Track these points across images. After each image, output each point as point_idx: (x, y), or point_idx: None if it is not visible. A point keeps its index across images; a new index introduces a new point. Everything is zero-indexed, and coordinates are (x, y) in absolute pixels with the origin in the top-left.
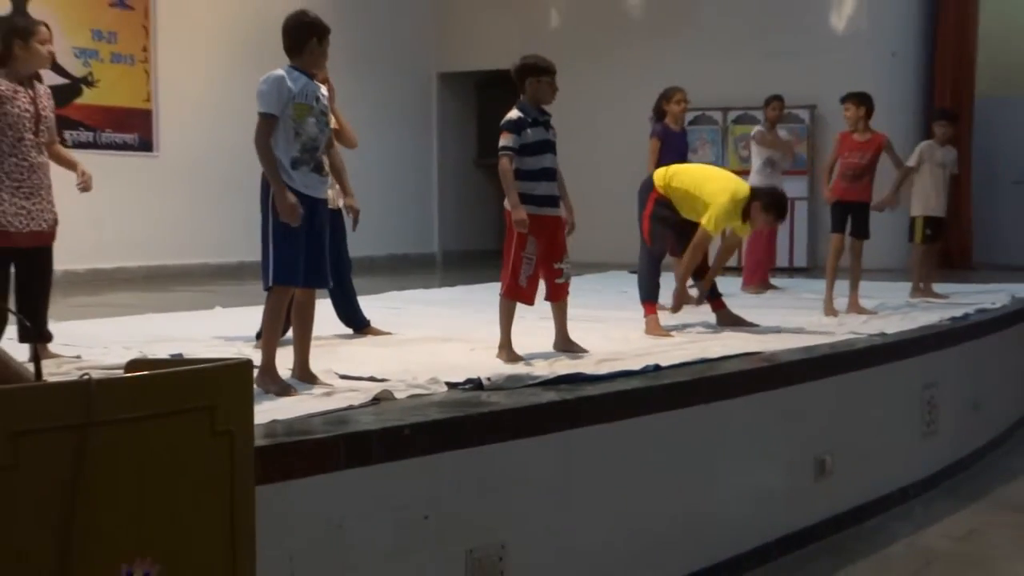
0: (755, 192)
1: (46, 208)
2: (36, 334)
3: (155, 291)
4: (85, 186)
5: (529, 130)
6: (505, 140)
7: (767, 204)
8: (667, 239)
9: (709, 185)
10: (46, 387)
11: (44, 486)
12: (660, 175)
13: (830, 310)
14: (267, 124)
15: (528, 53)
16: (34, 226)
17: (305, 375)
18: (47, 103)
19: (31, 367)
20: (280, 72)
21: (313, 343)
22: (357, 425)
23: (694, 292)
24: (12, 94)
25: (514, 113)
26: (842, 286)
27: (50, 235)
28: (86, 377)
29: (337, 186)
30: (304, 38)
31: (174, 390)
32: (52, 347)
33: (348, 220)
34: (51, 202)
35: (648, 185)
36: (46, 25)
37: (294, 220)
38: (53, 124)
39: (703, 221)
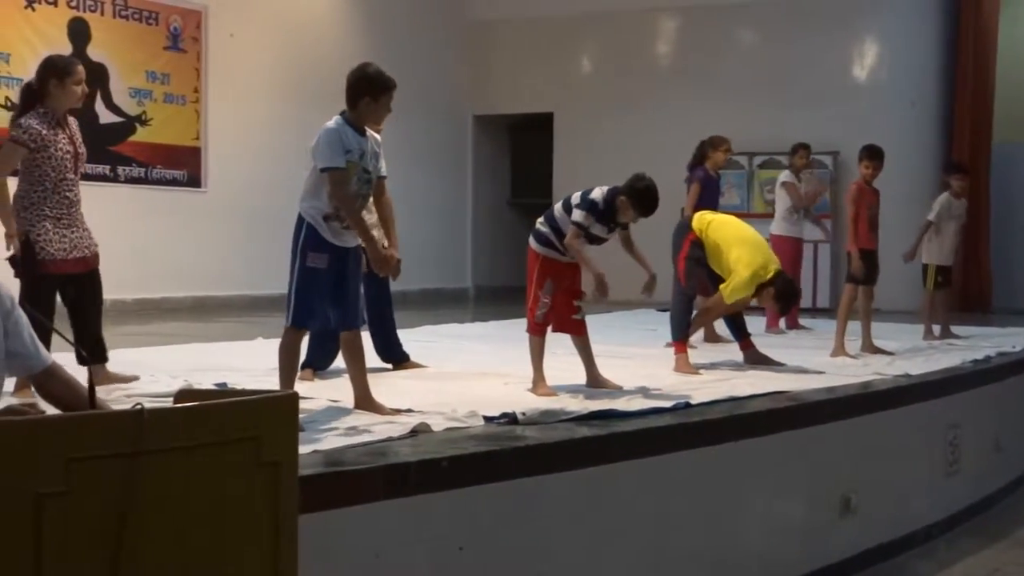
0: (775, 277)
1: (86, 236)
2: (93, 357)
3: (199, 321)
4: None
5: (600, 225)
6: (579, 217)
7: (779, 294)
8: (701, 279)
9: (738, 250)
10: (100, 415)
11: (95, 512)
12: (698, 220)
13: (843, 351)
14: (340, 177)
15: (565, 102)
16: (76, 253)
17: (368, 405)
18: (80, 138)
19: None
20: (334, 125)
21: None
22: (396, 457)
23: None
24: (53, 137)
25: (600, 200)
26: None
27: (93, 259)
28: (138, 407)
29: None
30: (358, 94)
31: (222, 421)
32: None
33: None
34: (89, 231)
35: (685, 228)
36: (83, 65)
37: (385, 270)
38: (84, 159)
39: (721, 287)
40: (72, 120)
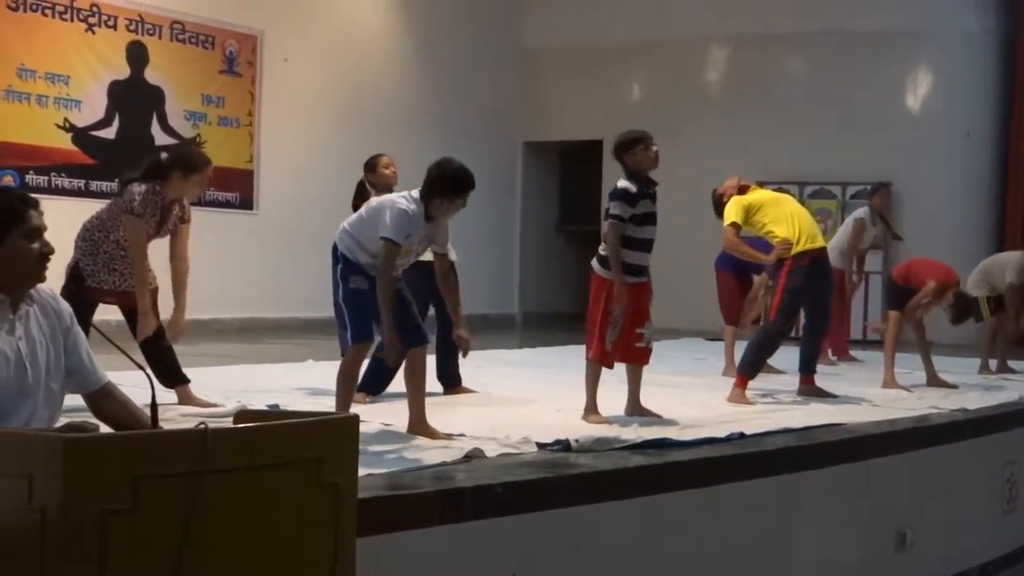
0: None
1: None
2: (176, 379)
3: (249, 342)
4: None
5: (640, 202)
6: (616, 209)
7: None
8: (795, 317)
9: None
10: (165, 434)
11: (158, 530)
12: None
13: (895, 383)
14: (393, 251)
15: (614, 130)
16: (126, 287)
17: (422, 430)
18: (170, 224)
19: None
20: (409, 211)
21: (400, 400)
22: (451, 482)
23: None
24: (151, 212)
25: (624, 183)
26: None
27: (151, 293)
28: (202, 426)
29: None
30: (432, 193)
31: (284, 442)
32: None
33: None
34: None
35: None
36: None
37: (390, 356)
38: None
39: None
40: (178, 206)
